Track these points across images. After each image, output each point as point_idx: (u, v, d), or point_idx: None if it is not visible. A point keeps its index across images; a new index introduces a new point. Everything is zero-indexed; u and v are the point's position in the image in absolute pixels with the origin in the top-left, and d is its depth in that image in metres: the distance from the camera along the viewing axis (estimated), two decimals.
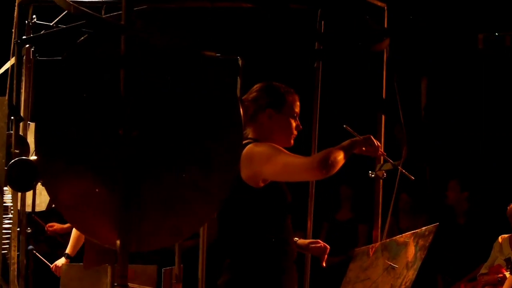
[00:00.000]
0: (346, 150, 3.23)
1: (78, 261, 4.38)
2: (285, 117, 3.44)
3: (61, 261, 5.39)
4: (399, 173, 3.76)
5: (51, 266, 5.59)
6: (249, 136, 3.42)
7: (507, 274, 6.10)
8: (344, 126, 3.61)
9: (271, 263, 3.30)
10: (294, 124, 3.47)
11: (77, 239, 5.29)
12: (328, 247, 3.63)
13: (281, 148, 3.29)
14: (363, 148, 3.32)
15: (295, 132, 3.48)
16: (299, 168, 3.18)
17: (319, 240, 3.67)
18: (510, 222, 6.31)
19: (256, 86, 3.50)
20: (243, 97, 3.51)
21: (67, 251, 5.43)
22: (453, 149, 8.52)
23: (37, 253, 5.80)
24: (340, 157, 3.18)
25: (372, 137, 3.35)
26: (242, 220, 3.33)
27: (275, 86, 3.48)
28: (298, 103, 3.48)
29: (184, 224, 2.46)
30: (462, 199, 7.33)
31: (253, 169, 3.22)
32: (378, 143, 3.34)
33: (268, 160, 3.22)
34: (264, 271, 3.29)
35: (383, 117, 3.96)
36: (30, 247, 5.65)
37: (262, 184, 3.29)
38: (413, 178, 3.65)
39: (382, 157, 3.91)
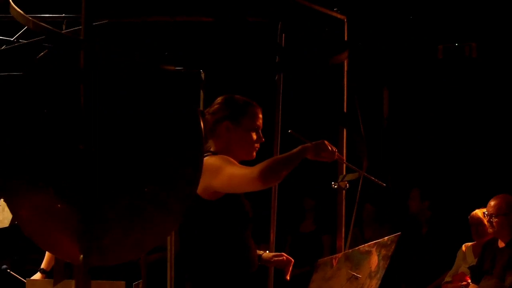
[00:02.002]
0: (293, 157, 3.10)
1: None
2: (243, 129, 3.38)
3: (37, 277, 5.32)
4: (360, 183, 3.78)
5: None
6: (211, 149, 3.39)
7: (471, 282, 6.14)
8: (289, 131, 3.55)
9: (228, 277, 3.28)
10: (254, 137, 3.40)
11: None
12: (292, 260, 3.60)
13: (232, 160, 3.24)
14: (319, 154, 3.16)
15: (256, 145, 3.41)
16: (242, 179, 3.10)
17: (282, 253, 3.64)
18: (471, 231, 6.36)
19: (218, 99, 3.47)
20: (205, 110, 3.48)
21: (43, 266, 5.35)
22: (415, 158, 8.59)
23: (11, 272, 5.70)
24: (284, 165, 3.07)
25: (326, 142, 3.19)
26: (199, 234, 3.30)
27: (235, 99, 3.43)
28: (260, 116, 3.42)
29: (146, 238, 2.46)
30: (424, 208, 7.38)
31: (205, 182, 3.11)
32: (334, 147, 3.21)
33: (217, 173, 3.17)
34: (221, 285, 3.26)
35: (344, 130, 3.98)
36: (4, 266, 5.57)
37: (215, 197, 3.25)
38: (384, 184, 3.65)
39: (344, 166, 3.94)
